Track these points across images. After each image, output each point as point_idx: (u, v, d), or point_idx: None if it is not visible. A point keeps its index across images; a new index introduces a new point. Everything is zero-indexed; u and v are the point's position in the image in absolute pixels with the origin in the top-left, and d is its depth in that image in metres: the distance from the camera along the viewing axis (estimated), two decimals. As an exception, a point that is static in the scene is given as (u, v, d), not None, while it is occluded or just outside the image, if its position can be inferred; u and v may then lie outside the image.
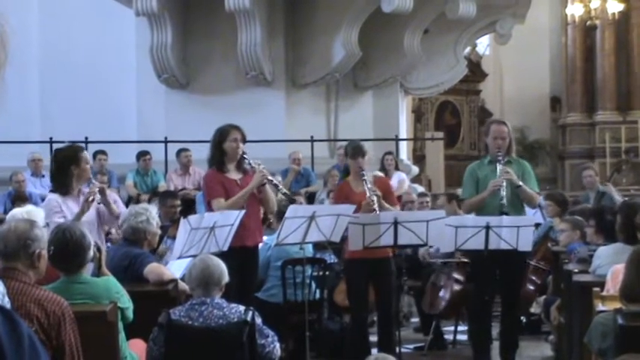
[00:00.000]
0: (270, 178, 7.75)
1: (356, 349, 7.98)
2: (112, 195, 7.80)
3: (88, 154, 7.56)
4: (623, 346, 4.61)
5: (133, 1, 14.31)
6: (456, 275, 9.30)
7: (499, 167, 8.06)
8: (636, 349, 4.28)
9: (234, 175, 7.77)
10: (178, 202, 10.31)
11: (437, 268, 9.64)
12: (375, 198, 7.84)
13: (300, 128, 15.45)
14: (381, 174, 13.24)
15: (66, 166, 7.32)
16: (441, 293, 9.34)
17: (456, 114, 24.91)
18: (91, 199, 7.13)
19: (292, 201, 8.19)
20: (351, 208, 7.72)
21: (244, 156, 7.77)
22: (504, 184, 7.96)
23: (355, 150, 8.21)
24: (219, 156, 7.76)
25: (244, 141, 7.83)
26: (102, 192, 7.32)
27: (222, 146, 7.72)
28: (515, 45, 19.43)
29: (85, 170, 7.36)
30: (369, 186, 7.94)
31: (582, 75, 23.85)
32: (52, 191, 7.57)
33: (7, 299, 1.52)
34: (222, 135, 7.75)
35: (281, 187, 7.94)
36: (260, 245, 8.11)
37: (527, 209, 8.68)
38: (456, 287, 9.11)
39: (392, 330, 8.23)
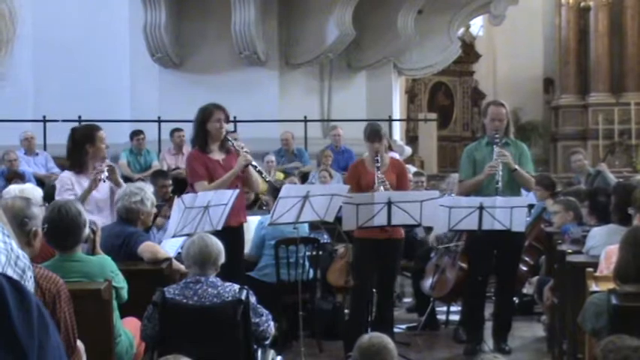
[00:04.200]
0: (254, 163, 7.71)
1: (355, 328, 7.85)
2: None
3: (104, 133, 7.59)
4: (616, 326, 4.62)
5: (126, -21, 14.30)
6: (460, 263, 9.20)
7: (496, 150, 8.05)
8: (630, 329, 4.29)
9: (217, 155, 7.69)
10: (170, 181, 10.29)
11: (440, 250, 9.60)
12: (382, 188, 7.82)
13: (294, 108, 15.44)
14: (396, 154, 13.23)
15: (81, 145, 7.41)
16: (448, 276, 9.29)
17: (449, 95, 24.92)
18: (99, 177, 7.17)
19: (275, 188, 8.16)
20: (345, 188, 7.72)
21: (227, 137, 7.73)
22: (500, 167, 7.96)
23: (372, 133, 8.13)
24: (202, 136, 7.69)
25: (228, 120, 7.80)
26: (111, 171, 7.37)
27: (206, 126, 7.65)
28: (508, 26, 19.44)
29: (99, 149, 7.45)
30: (380, 175, 7.90)
31: (575, 56, 23.87)
32: (67, 169, 7.61)
33: (30, 273, 1.52)
34: (205, 115, 7.66)
35: (264, 173, 7.88)
36: (246, 224, 8.09)
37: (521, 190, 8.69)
38: (459, 272, 9.07)
39: (390, 310, 8.24)
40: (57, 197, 7.06)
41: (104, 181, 7.29)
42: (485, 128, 8.42)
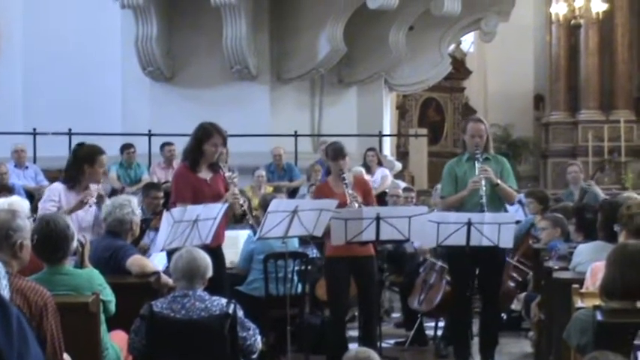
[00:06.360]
0: (241, 203, 7.55)
1: (333, 345, 8.02)
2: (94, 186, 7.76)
3: (105, 159, 7.58)
4: (601, 342, 4.63)
5: (118, -7, 14.33)
6: (448, 278, 9.19)
7: (478, 165, 8.07)
8: (614, 346, 4.31)
9: (204, 174, 7.57)
10: (161, 194, 10.30)
11: (428, 265, 9.61)
12: (356, 205, 7.87)
13: (284, 123, 15.48)
14: (361, 169, 13.25)
15: (80, 163, 7.42)
16: (436, 291, 9.28)
17: (440, 111, 24.93)
18: (86, 200, 7.18)
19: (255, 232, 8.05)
20: (334, 203, 7.72)
21: (220, 164, 7.61)
22: (483, 182, 7.98)
23: (336, 152, 8.24)
24: (195, 154, 7.57)
25: (224, 144, 7.72)
26: (99, 198, 7.37)
27: (202, 146, 7.52)
28: (499, 43, 19.47)
29: (96, 172, 7.46)
30: (350, 191, 7.95)
31: (566, 74, 23.92)
32: (61, 181, 7.59)
33: (4, 282, 1.54)
34: (204, 135, 7.52)
35: (249, 216, 7.81)
36: (235, 238, 8.03)
37: (508, 206, 8.70)
38: (447, 288, 9.08)
39: (374, 326, 8.26)
40: (40, 205, 7.24)
41: (90, 206, 7.30)
42: (465, 145, 8.46)
